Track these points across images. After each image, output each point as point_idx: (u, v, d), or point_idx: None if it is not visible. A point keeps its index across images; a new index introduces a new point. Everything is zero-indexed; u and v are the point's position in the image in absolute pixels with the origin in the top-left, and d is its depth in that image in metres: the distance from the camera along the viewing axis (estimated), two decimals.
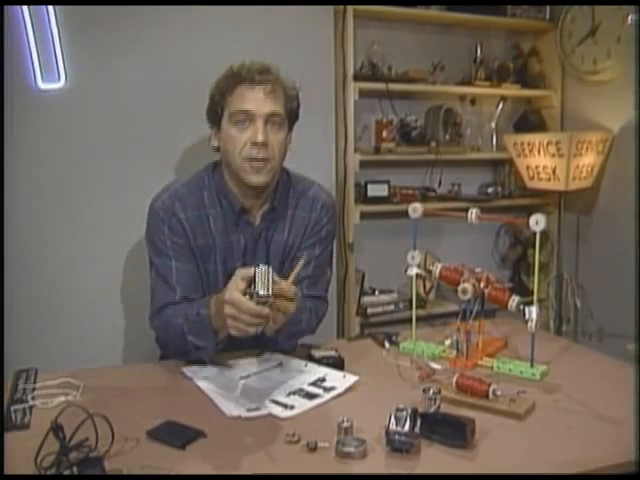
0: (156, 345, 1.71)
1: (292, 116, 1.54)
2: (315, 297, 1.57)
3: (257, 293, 1.15)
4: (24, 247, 2.06)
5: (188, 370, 1.41)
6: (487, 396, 1.21)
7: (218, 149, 1.54)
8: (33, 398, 1.27)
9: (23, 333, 2.06)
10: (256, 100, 1.45)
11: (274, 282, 1.17)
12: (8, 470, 1.00)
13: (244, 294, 1.17)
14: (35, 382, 1.35)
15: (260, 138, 1.44)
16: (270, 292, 1.16)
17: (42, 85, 2.02)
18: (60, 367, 1.43)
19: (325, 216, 1.60)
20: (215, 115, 1.52)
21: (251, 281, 1.17)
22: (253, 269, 1.17)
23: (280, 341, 1.44)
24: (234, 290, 1.19)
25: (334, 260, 1.75)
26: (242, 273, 1.20)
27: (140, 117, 2.14)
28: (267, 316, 1.18)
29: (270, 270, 1.17)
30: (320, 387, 1.32)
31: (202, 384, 1.34)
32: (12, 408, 1.22)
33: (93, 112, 2.10)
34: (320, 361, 1.43)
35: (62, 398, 1.26)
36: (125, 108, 2.13)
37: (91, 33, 2.06)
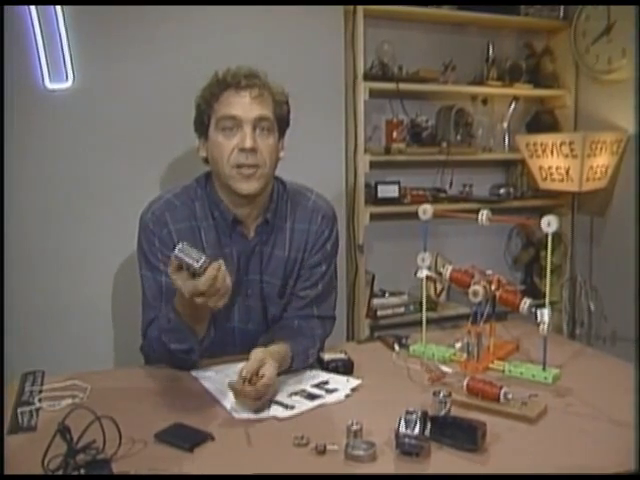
0: None
1: (282, 122, 1.51)
2: (324, 317, 1.57)
3: (193, 267, 1.15)
4: (27, 247, 2.07)
5: (195, 372, 1.42)
6: (498, 399, 1.20)
7: (207, 160, 1.51)
8: (40, 400, 1.27)
9: (27, 336, 2.07)
10: (243, 105, 1.42)
11: (258, 375, 1.21)
12: (15, 472, 1.01)
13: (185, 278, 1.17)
14: (42, 384, 1.36)
15: (248, 144, 1.41)
16: (203, 257, 1.15)
17: (49, 85, 2.03)
18: (66, 369, 1.44)
19: (326, 228, 1.57)
20: (202, 125, 1.48)
21: (181, 266, 1.17)
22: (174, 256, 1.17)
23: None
24: (177, 279, 1.18)
25: (343, 261, 1.74)
26: (170, 264, 1.19)
27: (149, 118, 2.15)
28: (203, 274, 1.15)
29: (185, 244, 1.17)
30: (322, 389, 1.32)
31: (209, 386, 1.34)
32: (19, 410, 1.22)
33: (101, 112, 2.11)
34: (329, 364, 1.42)
35: (69, 400, 1.26)
36: (134, 109, 2.14)
37: (99, 33, 2.07)
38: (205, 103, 1.47)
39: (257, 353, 1.27)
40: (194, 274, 1.16)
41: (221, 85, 1.45)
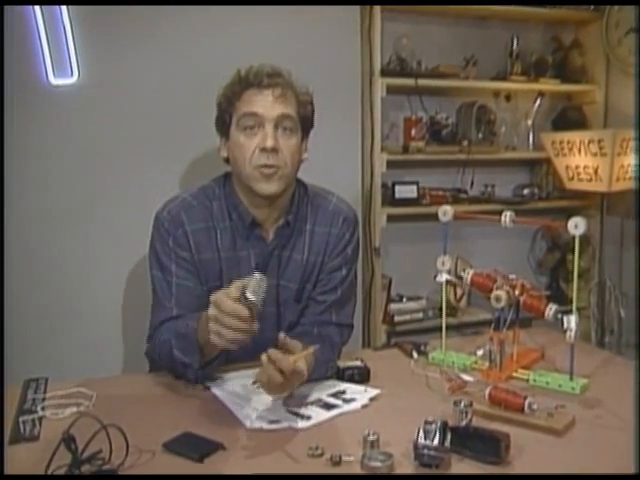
0: None
1: (306, 123, 1.52)
2: (342, 325, 1.56)
3: (244, 295, 1.15)
4: (30, 249, 2.10)
5: None
6: (522, 410, 1.19)
7: (227, 160, 1.52)
8: (43, 409, 1.27)
9: (30, 341, 2.09)
10: (265, 103, 1.43)
11: (284, 353, 1.19)
12: None
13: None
14: (45, 392, 1.36)
15: (270, 143, 1.42)
16: (259, 299, 1.16)
17: (54, 80, 2.05)
18: (70, 376, 1.45)
19: (347, 231, 1.58)
20: (223, 124, 1.50)
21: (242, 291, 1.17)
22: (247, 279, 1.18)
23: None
24: (222, 294, 1.18)
25: (360, 265, 1.74)
26: (237, 283, 1.19)
27: (156, 116, 2.17)
28: (246, 319, 1.15)
29: (264, 280, 1.17)
30: (339, 398, 1.32)
31: (220, 393, 1.34)
32: (20, 419, 1.22)
33: (108, 109, 2.13)
34: (344, 372, 1.42)
35: (74, 408, 1.26)
36: (143, 106, 2.16)
37: (105, 28, 2.09)
38: (227, 101, 1.48)
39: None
40: (239, 301, 1.16)
41: (243, 83, 1.46)
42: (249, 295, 1.15)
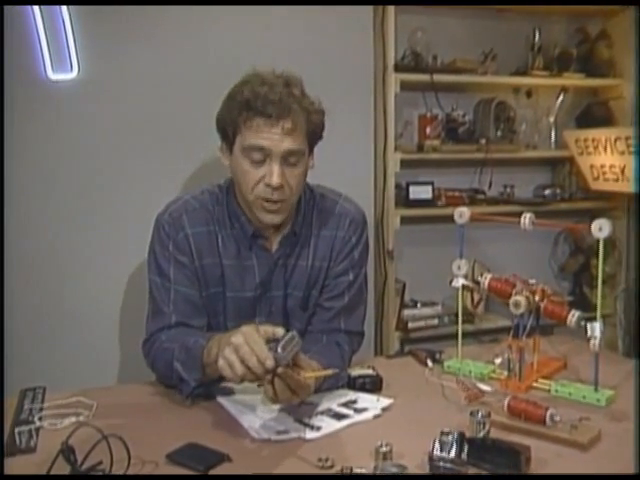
0: None
1: (314, 139, 1.49)
2: (351, 332, 1.56)
3: (276, 349, 1.15)
4: (27, 252, 2.11)
5: None
6: (544, 422, 1.19)
7: (230, 167, 1.50)
8: (40, 419, 1.27)
9: (27, 349, 2.10)
10: (272, 137, 1.38)
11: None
12: None
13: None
14: (43, 401, 1.36)
15: (275, 181, 1.39)
16: (289, 358, 1.16)
17: (52, 75, 2.06)
18: (69, 385, 1.46)
19: (354, 234, 1.57)
20: (225, 136, 1.46)
21: (272, 340, 1.17)
22: (282, 331, 1.19)
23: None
24: (254, 329, 1.18)
25: (372, 269, 1.74)
26: (269, 328, 1.20)
27: (159, 113, 2.18)
28: (268, 369, 1.14)
29: (299, 341, 1.19)
30: (350, 408, 1.32)
31: (225, 402, 1.35)
32: (16, 430, 1.22)
33: (109, 106, 2.14)
34: (355, 380, 1.42)
35: (73, 418, 1.27)
36: (146, 102, 2.17)
37: (106, 21, 2.10)
38: (231, 121, 1.42)
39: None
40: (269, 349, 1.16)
41: (250, 110, 1.38)
42: (280, 350, 1.14)
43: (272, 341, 1.17)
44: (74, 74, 2.08)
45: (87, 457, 1.01)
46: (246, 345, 1.15)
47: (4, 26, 1.98)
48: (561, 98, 2.92)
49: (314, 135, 1.48)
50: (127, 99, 2.15)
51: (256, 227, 1.51)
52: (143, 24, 2.15)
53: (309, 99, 1.45)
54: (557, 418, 1.19)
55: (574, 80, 2.86)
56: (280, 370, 1.16)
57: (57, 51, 2.06)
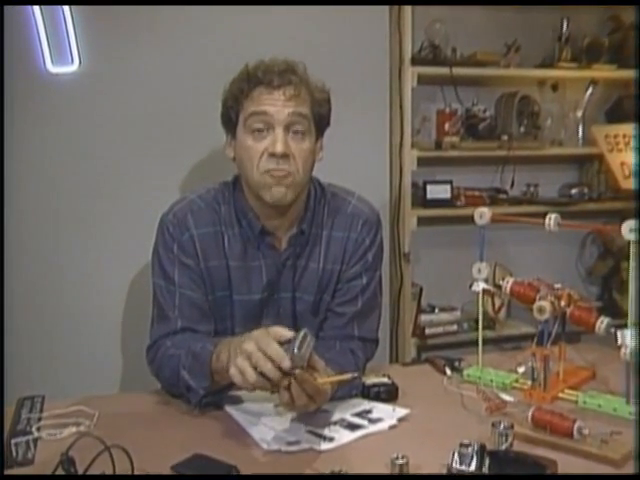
0: None
1: (321, 122, 1.51)
2: (365, 339, 1.56)
3: (292, 350, 1.15)
4: (25, 254, 2.11)
5: None
6: (571, 435, 1.18)
7: (234, 159, 1.53)
8: (39, 429, 1.27)
9: (25, 355, 2.10)
10: (275, 102, 1.42)
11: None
12: None
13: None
14: (41, 411, 1.36)
15: (279, 148, 1.41)
16: (306, 357, 1.17)
17: (52, 68, 2.07)
18: (70, 394, 1.47)
19: (367, 236, 1.57)
20: (229, 122, 1.50)
21: (284, 342, 1.18)
22: (292, 333, 1.19)
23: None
24: (266, 332, 1.19)
25: (387, 272, 1.74)
26: (279, 330, 1.20)
27: (163, 108, 2.18)
28: (286, 370, 1.15)
29: (312, 339, 1.19)
30: (365, 418, 1.32)
31: (233, 411, 1.35)
32: (13, 441, 1.21)
33: (112, 101, 2.14)
34: (370, 389, 1.42)
35: (73, 429, 1.27)
36: (150, 97, 2.17)
37: (108, 12, 2.09)
38: (233, 99, 1.48)
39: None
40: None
41: (252, 81, 1.45)
42: (296, 351, 1.15)
43: (285, 342, 1.17)
44: (75, 67, 2.09)
45: (88, 469, 1.01)
46: (259, 351, 1.15)
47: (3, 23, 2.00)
48: (590, 91, 2.91)
49: (320, 118, 1.50)
50: (130, 92, 2.16)
51: (264, 224, 1.52)
52: (146, 14, 2.15)
53: (312, 80, 1.49)
54: (586, 431, 1.18)
55: (604, 72, 2.84)
56: (297, 372, 1.16)
57: (57, 43, 2.06)
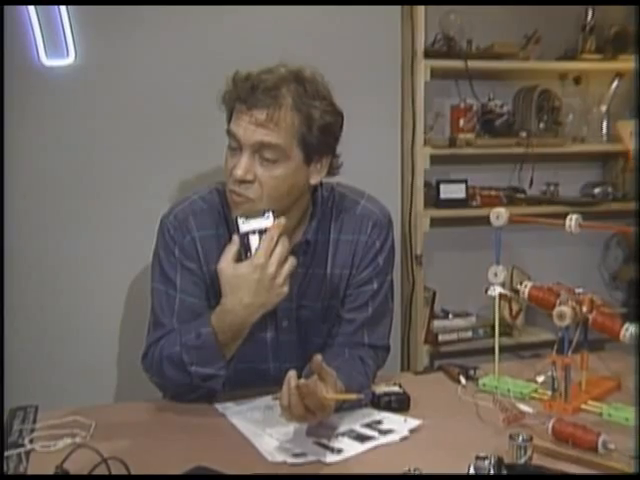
0: None
1: (313, 144, 1.45)
2: (376, 347, 1.57)
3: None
4: (19, 256, 2.11)
5: (220, 405, 1.43)
6: (595, 449, 1.18)
7: None
8: (32, 441, 1.27)
9: (18, 363, 2.09)
10: (246, 126, 1.40)
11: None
12: None
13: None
14: (34, 422, 1.36)
15: (238, 174, 1.40)
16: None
17: (46, 61, 2.08)
18: (65, 403, 1.48)
19: (378, 239, 1.57)
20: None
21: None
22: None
23: None
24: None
25: (398, 276, 1.74)
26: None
27: (163, 102, 2.18)
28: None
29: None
30: (375, 429, 1.32)
31: (237, 422, 1.36)
32: (4, 454, 1.21)
33: (109, 95, 2.15)
34: (380, 398, 1.43)
35: (68, 440, 1.26)
36: (149, 91, 2.17)
37: (105, 5, 2.11)
38: (227, 106, 1.48)
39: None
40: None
41: (233, 94, 1.44)
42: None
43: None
44: (70, 60, 2.10)
45: None
46: (264, 264, 1.32)
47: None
48: (615, 84, 2.89)
49: (311, 138, 1.44)
50: (126, 85, 2.17)
51: None
52: (142, 7, 2.16)
53: (317, 98, 1.44)
54: (612, 446, 1.17)
55: (632, 63, 2.83)
56: (302, 382, 1.18)
57: (52, 36, 2.07)
